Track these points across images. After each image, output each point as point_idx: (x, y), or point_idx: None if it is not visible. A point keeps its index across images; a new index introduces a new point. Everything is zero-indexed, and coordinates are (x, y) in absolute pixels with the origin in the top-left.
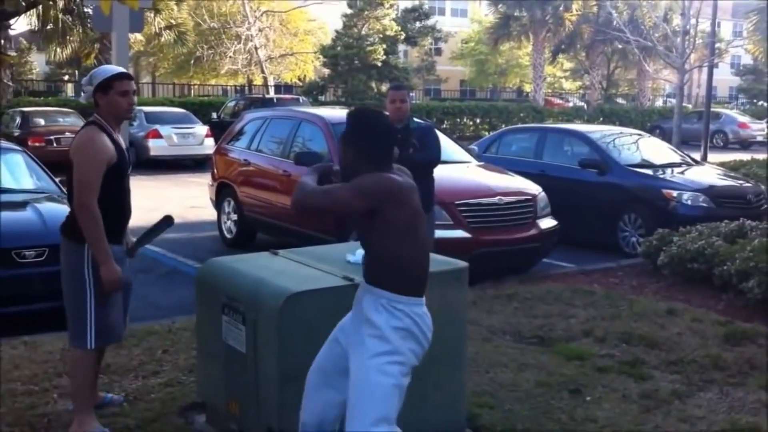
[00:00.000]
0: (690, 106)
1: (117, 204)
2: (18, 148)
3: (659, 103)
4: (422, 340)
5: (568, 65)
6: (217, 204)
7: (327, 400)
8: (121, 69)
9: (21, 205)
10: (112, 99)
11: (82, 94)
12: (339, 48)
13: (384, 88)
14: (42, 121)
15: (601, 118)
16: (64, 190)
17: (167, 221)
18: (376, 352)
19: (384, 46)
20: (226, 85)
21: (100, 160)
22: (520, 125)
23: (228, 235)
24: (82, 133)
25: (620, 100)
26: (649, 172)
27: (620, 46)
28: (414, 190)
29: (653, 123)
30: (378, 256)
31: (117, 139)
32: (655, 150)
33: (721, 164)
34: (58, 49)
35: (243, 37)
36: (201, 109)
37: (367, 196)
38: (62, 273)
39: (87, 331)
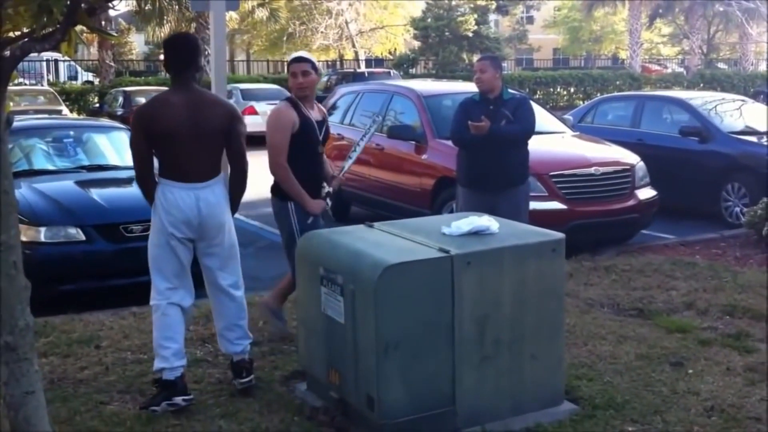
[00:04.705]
0: None
1: (304, 165)
2: (122, 126)
3: (763, 67)
4: (164, 214)
5: (666, 30)
6: None
7: None
8: (296, 54)
9: (127, 182)
10: (289, 79)
11: None
12: (429, 20)
13: (476, 59)
14: (143, 100)
15: (702, 84)
16: None
17: (374, 121)
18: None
19: (475, 16)
20: (318, 61)
21: (281, 126)
22: (616, 93)
23: None
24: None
25: (721, 65)
26: (753, 139)
27: (721, 9)
28: (163, 107)
29: (757, 88)
30: None
31: (305, 112)
32: (759, 116)
33: None
34: (157, 29)
35: (334, 11)
36: None
37: (132, 132)
38: (277, 224)
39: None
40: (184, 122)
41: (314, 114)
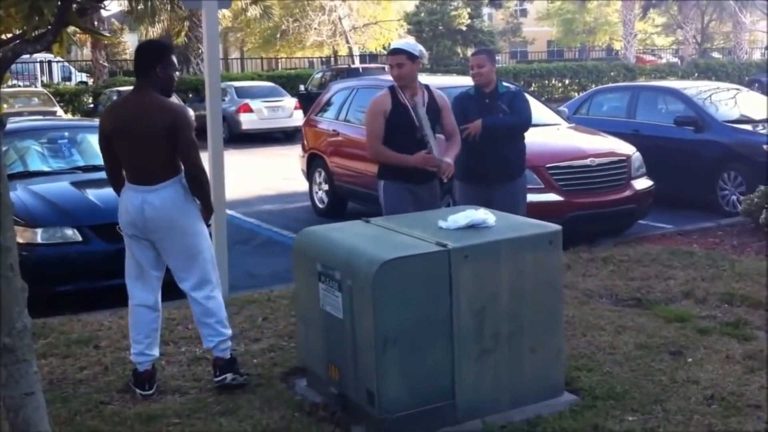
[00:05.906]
0: None
1: (398, 147)
2: None
3: (757, 56)
4: (120, 216)
5: (659, 20)
6: (309, 175)
7: None
8: (393, 45)
9: None
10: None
11: None
12: (423, 14)
13: (470, 52)
14: None
15: (696, 74)
16: None
17: None
18: None
19: (468, 9)
20: (312, 57)
21: (374, 112)
22: (611, 84)
23: (320, 205)
24: None
25: (716, 55)
26: (749, 127)
27: None
28: (115, 109)
29: (751, 77)
30: None
31: (401, 98)
32: (754, 104)
33: None
34: (150, 29)
35: (327, 8)
36: (289, 82)
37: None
38: None
39: None
40: (127, 125)
41: (415, 99)
